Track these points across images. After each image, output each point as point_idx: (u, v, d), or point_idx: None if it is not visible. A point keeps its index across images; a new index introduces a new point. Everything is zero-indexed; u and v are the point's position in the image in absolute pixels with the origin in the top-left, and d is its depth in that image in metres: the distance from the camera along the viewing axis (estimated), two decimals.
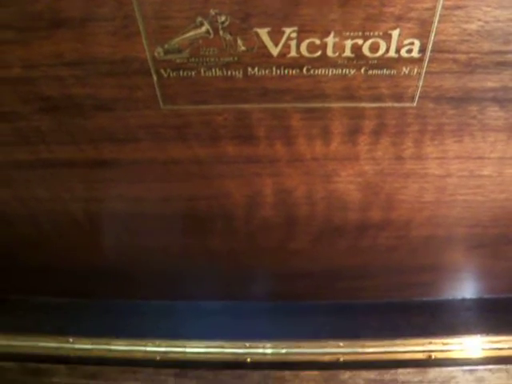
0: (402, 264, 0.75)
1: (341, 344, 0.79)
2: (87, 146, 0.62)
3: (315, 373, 0.77)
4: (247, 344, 0.79)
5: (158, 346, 0.81)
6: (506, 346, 0.80)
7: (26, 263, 0.79)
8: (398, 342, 0.79)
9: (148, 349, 0.81)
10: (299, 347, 0.79)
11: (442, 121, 0.58)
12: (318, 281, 0.78)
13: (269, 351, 0.79)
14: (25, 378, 0.81)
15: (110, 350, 0.82)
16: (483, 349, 0.80)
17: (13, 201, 0.70)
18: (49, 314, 0.85)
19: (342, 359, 0.78)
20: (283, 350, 0.79)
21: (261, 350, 0.79)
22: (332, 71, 0.52)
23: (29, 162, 0.65)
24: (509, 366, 0.77)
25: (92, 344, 0.82)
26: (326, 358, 0.78)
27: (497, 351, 0.80)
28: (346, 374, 0.77)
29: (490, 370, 0.77)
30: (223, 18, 0.48)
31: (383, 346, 0.79)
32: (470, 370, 0.78)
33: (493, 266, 0.77)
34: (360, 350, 0.79)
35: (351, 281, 0.78)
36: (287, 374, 0.77)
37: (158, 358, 0.80)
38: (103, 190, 0.67)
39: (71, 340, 0.83)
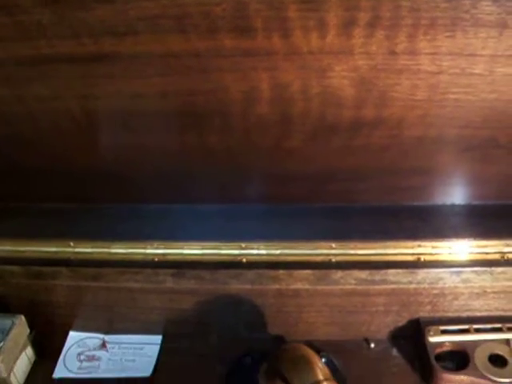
0: (394, 166, 0.77)
1: (333, 245, 0.81)
2: (88, 40, 0.63)
3: (308, 272, 0.79)
4: (242, 245, 0.81)
5: (157, 248, 0.83)
6: (492, 250, 0.82)
7: (25, 167, 0.81)
8: (388, 244, 0.81)
9: (147, 251, 0.83)
10: (292, 248, 0.81)
11: (436, 14, 0.59)
12: (311, 183, 0.80)
13: (263, 252, 0.82)
14: (29, 281, 0.84)
15: (110, 253, 0.84)
16: (470, 252, 0.83)
17: (12, 99, 0.71)
18: (50, 219, 0.87)
19: (333, 260, 0.81)
20: (277, 251, 0.81)
21: (255, 251, 0.82)
22: None
23: (29, 57, 0.66)
24: (493, 269, 0.80)
25: (92, 247, 0.84)
26: (319, 259, 0.81)
27: (483, 255, 0.82)
28: (337, 274, 0.79)
29: (476, 271, 0.80)
30: None
31: (374, 247, 0.81)
32: (457, 272, 0.80)
33: (482, 170, 0.79)
34: (352, 251, 0.81)
35: (344, 183, 0.80)
36: (281, 272, 0.79)
37: (156, 259, 0.83)
38: (102, 86, 0.68)
39: (72, 244, 0.85)
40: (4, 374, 0.77)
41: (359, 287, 0.80)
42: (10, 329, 0.79)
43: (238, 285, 0.80)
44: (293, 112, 0.69)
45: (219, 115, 0.70)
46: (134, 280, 0.81)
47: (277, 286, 0.80)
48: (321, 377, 0.65)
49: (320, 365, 0.67)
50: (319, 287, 0.80)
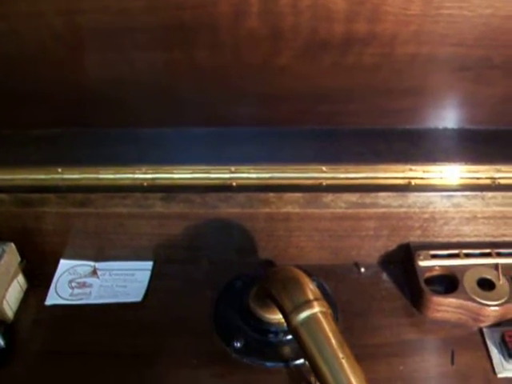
0: (386, 86, 0.76)
1: (323, 168, 0.80)
2: None
3: (298, 195, 0.79)
4: (232, 168, 0.81)
5: (145, 172, 0.82)
6: (483, 175, 0.82)
7: (11, 91, 0.79)
8: (379, 167, 0.81)
9: (135, 176, 0.82)
10: (283, 171, 0.81)
11: None
12: (301, 104, 0.79)
13: (253, 175, 0.81)
14: (17, 209, 0.84)
15: (98, 179, 0.83)
16: (461, 177, 0.82)
17: None
18: (36, 146, 0.86)
19: (324, 183, 0.80)
20: (267, 175, 0.81)
21: (245, 175, 0.81)
22: None
23: None
24: (484, 194, 0.79)
25: (80, 173, 0.83)
26: (309, 182, 0.80)
27: (474, 180, 0.82)
28: (328, 197, 0.79)
29: (467, 196, 0.80)
30: None
31: (364, 171, 0.81)
32: (448, 196, 0.80)
33: (475, 92, 0.78)
34: (342, 175, 0.81)
35: (335, 104, 0.79)
36: (271, 196, 0.79)
37: (145, 184, 0.82)
38: (88, 1, 0.65)
39: (60, 170, 0.84)
40: None
41: (349, 211, 0.80)
42: (1, 256, 0.79)
43: (228, 208, 0.80)
44: (283, 26, 0.67)
45: (208, 30, 0.68)
46: (122, 205, 0.80)
47: (267, 210, 0.80)
48: (311, 296, 0.65)
49: (310, 285, 0.67)
50: (309, 210, 0.80)
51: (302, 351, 0.64)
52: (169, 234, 0.83)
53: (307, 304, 0.63)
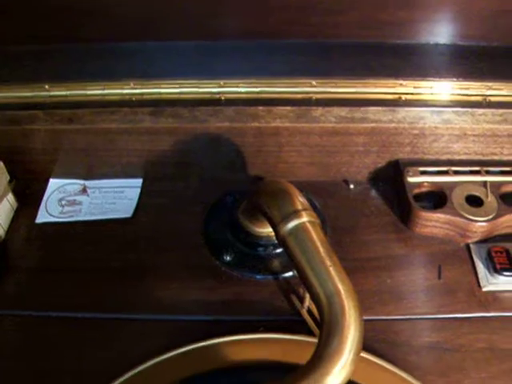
0: None
1: (313, 83, 0.79)
2: None
3: (288, 109, 0.77)
4: (221, 82, 0.79)
5: (133, 87, 0.80)
6: (474, 92, 0.80)
7: None
8: (369, 82, 0.79)
9: (124, 91, 0.80)
10: (272, 85, 0.79)
11: None
12: (290, 15, 0.76)
13: (242, 90, 0.79)
14: (5, 127, 0.83)
15: (86, 95, 0.81)
16: (452, 93, 0.81)
17: None
18: (21, 62, 0.83)
19: (314, 98, 0.78)
20: (257, 89, 0.79)
21: (234, 89, 0.79)
22: None
23: None
24: (474, 110, 0.78)
25: (67, 89, 0.81)
26: (299, 97, 0.78)
27: (465, 97, 0.80)
28: (317, 111, 0.77)
29: (457, 112, 0.78)
30: None
31: (355, 85, 0.79)
32: (438, 112, 0.79)
33: (469, 5, 0.75)
34: (332, 89, 0.79)
35: (325, 16, 0.77)
36: (260, 109, 0.77)
37: (133, 99, 0.79)
38: None
39: (46, 87, 0.81)
40: None
41: (339, 125, 0.78)
42: None
43: (217, 123, 0.78)
44: None
45: None
46: (110, 120, 0.79)
47: (256, 124, 0.78)
48: (299, 207, 0.64)
49: (299, 196, 0.66)
50: (299, 125, 0.78)
51: (291, 261, 0.63)
52: (158, 150, 0.82)
53: (295, 214, 0.62)
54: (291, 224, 0.62)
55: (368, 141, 0.80)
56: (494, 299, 0.72)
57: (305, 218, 0.63)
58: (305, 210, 0.64)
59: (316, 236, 0.62)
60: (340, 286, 0.58)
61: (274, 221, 0.64)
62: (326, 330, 0.55)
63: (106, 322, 0.71)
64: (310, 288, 0.60)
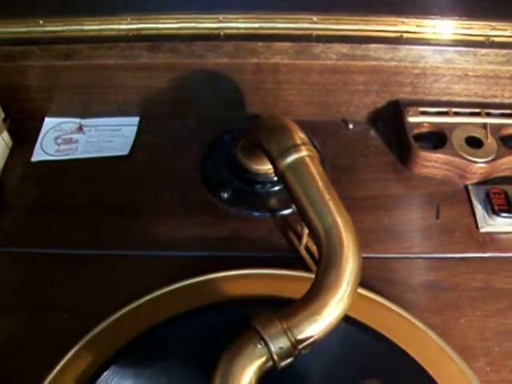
0: None
1: (314, 19, 0.76)
2: None
3: (287, 45, 0.76)
4: (220, 17, 0.76)
5: (130, 22, 0.78)
6: (477, 32, 0.78)
7: None
8: (371, 19, 0.77)
9: (121, 26, 0.78)
10: (272, 21, 0.77)
11: None
12: None
13: (242, 25, 0.77)
14: (1, 63, 0.80)
15: (83, 30, 0.79)
16: (454, 33, 0.78)
17: None
18: None
19: (314, 34, 0.76)
20: (256, 24, 0.77)
21: (234, 24, 0.76)
22: None
23: None
24: (477, 50, 0.76)
25: (64, 25, 0.78)
26: (299, 33, 0.76)
27: (467, 36, 0.78)
28: (318, 48, 0.75)
29: (459, 52, 0.76)
30: None
31: (356, 22, 0.77)
32: (440, 51, 0.77)
33: None
34: (333, 26, 0.77)
35: None
36: (260, 45, 0.75)
37: (130, 34, 0.77)
38: None
39: (41, 22, 0.79)
40: None
41: (340, 62, 0.76)
42: None
43: (216, 59, 0.76)
44: None
45: None
46: (108, 56, 0.77)
47: (255, 60, 0.76)
48: (298, 141, 0.62)
49: (298, 132, 0.64)
50: (299, 62, 0.76)
51: (289, 196, 0.61)
52: (155, 87, 0.80)
53: (294, 148, 0.61)
54: (290, 158, 0.61)
55: (368, 80, 0.78)
56: (492, 240, 0.71)
57: (304, 153, 0.61)
58: (304, 144, 0.62)
59: (315, 170, 0.61)
60: (338, 219, 0.56)
61: (272, 155, 0.63)
62: (324, 263, 0.53)
63: (102, 258, 0.70)
64: (308, 222, 0.59)
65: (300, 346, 0.49)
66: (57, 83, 0.81)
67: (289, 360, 0.49)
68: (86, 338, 0.58)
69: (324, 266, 0.53)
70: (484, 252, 0.70)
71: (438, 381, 0.56)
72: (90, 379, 0.56)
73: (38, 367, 0.55)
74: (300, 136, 0.63)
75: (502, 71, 0.77)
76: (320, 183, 0.60)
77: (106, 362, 0.57)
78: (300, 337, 0.49)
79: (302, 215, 0.60)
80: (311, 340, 0.50)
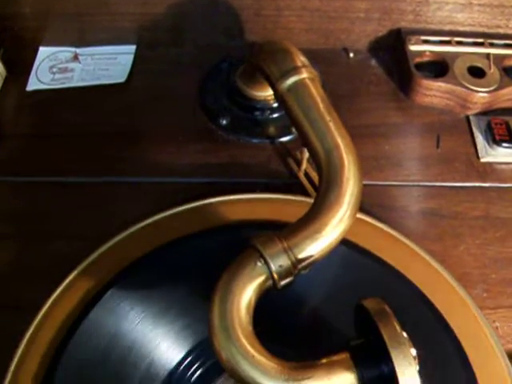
0: None
1: None
2: None
3: None
4: None
5: None
6: None
7: None
8: None
9: None
10: None
11: None
12: None
13: None
14: None
15: None
16: None
17: None
18: None
19: None
20: None
21: None
22: None
23: None
24: None
25: None
26: None
27: None
28: None
29: None
30: None
31: None
32: None
33: None
34: None
35: None
36: None
37: None
38: None
39: None
40: None
41: None
42: None
43: None
44: None
45: None
46: None
47: None
48: (299, 63, 0.60)
49: (299, 55, 0.62)
50: None
51: (290, 119, 0.59)
52: (152, 13, 0.78)
53: (295, 70, 0.59)
54: (290, 80, 0.60)
55: (369, 7, 0.76)
56: (492, 170, 0.71)
57: (304, 75, 0.60)
58: (305, 66, 0.60)
59: (316, 92, 0.59)
60: (339, 141, 0.55)
61: (272, 78, 0.61)
62: (325, 184, 0.53)
63: (101, 185, 0.69)
64: (308, 145, 0.58)
65: (300, 266, 0.48)
66: (51, 10, 0.77)
67: (288, 279, 0.48)
68: (85, 262, 0.58)
69: (324, 187, 0.52)
70: (484, 182, 0.70)
71: (436, 305, 0.55)
72: (90, 302, 0.55)
73: (39, 292, 0.55)
74: (301, 59, 0.61)
75: None
76: (321, 105, 0.58)
77: (106, 284, 0.56)
78: (300, 256, 0.48)
79: (303, 138, 0.59)
80: (311, 259, 0.49)
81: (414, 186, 0.69)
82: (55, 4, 0.77)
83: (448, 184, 0.69)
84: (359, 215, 0.61)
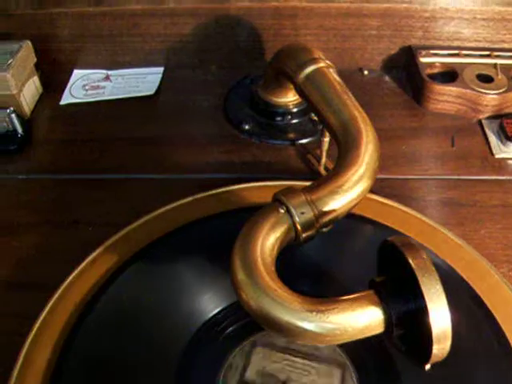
0: None
1: None
2: None
3: None
4: None
5: None
6: None
7: None
8: None
9: None
10: None
11: None
12: None
13: None
14: (33, 11, 0.83)
15: None
16: None
17: None
18: None
19: None
20: None
21: None
22: None
23: None
24: None
25: None
26: None
27: None
28: None
29: None
30: None
31: None
32: None
33: None
34: None
35: None
36: None
37: None
38: None
39: None
40: (14, 90, 0.75)
41: (353, 5, 0.78)
42: (18, 51, 0.77)
43: (237, 2, 0.77)
44: None
45: None
46: (135, 1, 0.77)
47: (274, 3, 0.77)
48: (316, 55, 0.62)
49: (316, 50, 0.64)
50: (315, 4, 0.79)
51: (309, 105, 0.61)
52: (179, 33, 0.82)
53: (312, 61, 0.62)
54: (308, 69, 0.63)
55: (381, 24, 0.80)
56: (507, 165, 0.71)
57: (322, 64, 0.62)
58: (321, 58, 0.62)
59: (332, 78, 0.61)
60: (356, 113, 0.56)
61: (291, 72, 0.64)
62: (344, 149, 0.53)
63: (128, 180, 0.71)
64: (326, 121, 0.59)
65: (322, 220, 0.48)
66: (86, 31, 0.83)
67: (310, 232, 0.48)
68: (107, 243, 0.59)
69: (344, 151, 0.53)
70: (500, 175, 0.69)
71: (468, 281, 0.55)
72: (111, 277, 0.55)
73: (61, 272, 0.55)
74: (318, 52, 0.64)
75: (509, 13, 0.78)
76: (338, 87, 0.60)
77: (126, 261, 0.56)
78: (323, 208, 0.48)
79: (320, 117, 0.60)
80: (333, 215, 0.50)
81: (431, 179, 0.70)
82: (91, 25, 0.81)
83: (465, 177, 0.70)
84: (383, 199, 0.63)
